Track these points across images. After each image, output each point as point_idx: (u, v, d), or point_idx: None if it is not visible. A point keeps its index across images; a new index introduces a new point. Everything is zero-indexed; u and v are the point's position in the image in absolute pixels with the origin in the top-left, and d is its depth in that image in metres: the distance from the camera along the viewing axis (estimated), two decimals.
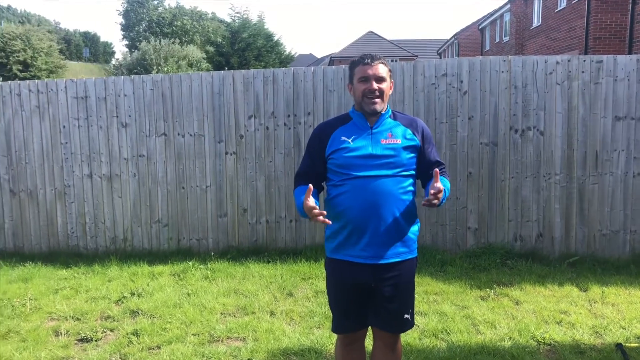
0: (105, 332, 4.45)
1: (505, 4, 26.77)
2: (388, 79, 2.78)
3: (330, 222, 2.61)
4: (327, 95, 6.25)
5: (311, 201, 2.59)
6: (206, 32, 71.07)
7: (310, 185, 2.62)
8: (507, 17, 27.25)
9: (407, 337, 4.14)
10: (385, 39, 53.03)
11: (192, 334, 4.33)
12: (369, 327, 2.98)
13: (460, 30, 40.82)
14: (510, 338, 4.14)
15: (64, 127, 6.51)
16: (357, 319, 2.85)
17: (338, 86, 6.22)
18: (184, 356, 3.92)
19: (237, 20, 31.22)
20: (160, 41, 46.86)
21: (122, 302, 5.06)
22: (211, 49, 30.98)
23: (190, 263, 6.03)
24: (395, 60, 49.34)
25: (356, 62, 2.80)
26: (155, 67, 25.48)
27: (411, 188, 2.79)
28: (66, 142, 6.52)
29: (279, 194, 6.42)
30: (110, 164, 6.50)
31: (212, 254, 6.27)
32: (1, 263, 6.30)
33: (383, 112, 2.79)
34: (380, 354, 2.94)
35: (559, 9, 19.75)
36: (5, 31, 47.20)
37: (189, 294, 5.19)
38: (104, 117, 6.45)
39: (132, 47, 64.15)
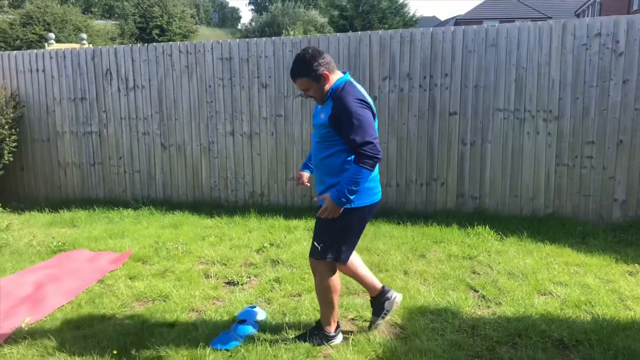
0: (249, 277, 4.78)
1: None
2: (313, 83, 3.22)
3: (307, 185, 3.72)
4: (467, 56, 6.07)
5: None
6: None
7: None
8: None
9: (548, 306, 4.03)
10: None
11: None
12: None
13: None
14: None
15: (209, 86, 6.93)
16: None
17: (479, 47, 6.01)
18: None
19: None
20: (287, 4, 47.92)
21: (263, 252, 5.39)
22: (335, 12, 31.08)
23: None
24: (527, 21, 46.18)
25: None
26: (284, 31, 26.00)
27: (336, 153, 3.25)
28: (211, 101, 6.95)
29: (410, 157, 6.41)
30: (251, 122, 6.84)
31: None
32: (154, 210, 6.93)
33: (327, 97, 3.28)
34: None
35: None
36: None
37: None
38: (246, 78, 6.77)
39: (258, 11, 66.02)
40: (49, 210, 7.16)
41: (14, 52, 7.59)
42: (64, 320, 3.96)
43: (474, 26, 6.12)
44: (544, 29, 5.79)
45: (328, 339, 3.57)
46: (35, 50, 7.55)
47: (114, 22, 49.55)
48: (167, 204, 7.16)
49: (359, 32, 6.46)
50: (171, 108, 7.12)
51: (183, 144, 7.15)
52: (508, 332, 3.67)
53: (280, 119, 6.74)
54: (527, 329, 3.68)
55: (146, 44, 7.12)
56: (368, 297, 4.30)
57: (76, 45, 11.13)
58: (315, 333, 3.59)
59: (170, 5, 49.88)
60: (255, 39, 6.85)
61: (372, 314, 3.80)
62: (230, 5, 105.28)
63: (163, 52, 7.02)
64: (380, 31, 6.37)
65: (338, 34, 6.59)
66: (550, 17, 45.56)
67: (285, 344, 3.53)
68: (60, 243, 5.71)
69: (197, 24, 61.75)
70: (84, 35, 12.12)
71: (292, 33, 21.68)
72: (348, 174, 3.10)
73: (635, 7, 29.76)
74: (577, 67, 5.74)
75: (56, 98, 7.47)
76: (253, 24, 52.04)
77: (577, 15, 46.09)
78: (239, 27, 73.70)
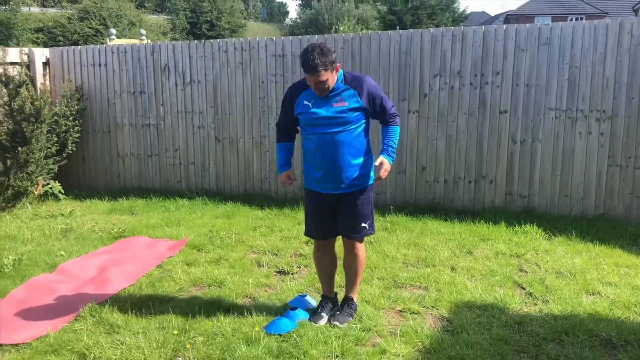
0: (299, 267, 4.96)
1: None
2: (330, 75, 3.43)
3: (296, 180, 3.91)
4: (519, 55, 6.07)
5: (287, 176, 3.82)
6: None
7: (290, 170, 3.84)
8: None
9: (596, 306, 4.05)
10: None
11: (377, 278, 4.65)
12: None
13: None
14: None
15: (262, 82, 7.14)
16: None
17: (531, 45, 6.00)
18: (372, 296, 4.25)
19: None
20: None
21: (311, 243, 5.53)
22: (383, 7, 31.02)
23: None
24: (581, 18, 45.14)
25: (303, 64, 3.42)
26: (333, 27, 26.10)
27: (362, 134, 3.65)
28: (264, 97, 7.15)
29: (459, 154, 6.45)
30: None
31: (392, 207, 6.54)
32: (207, 200, 7.20)
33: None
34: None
35: None
36: None
37: (371, 242, 5.52)
38: (298, 74, 6.93)
39: (305, 6, 66.42)
40: (109, 199, 7.53)
41: (78, 47, 7.98)
42: (127, 302, 4.22)
43: (527, 24, 6.11)
44: (600, 28, 5.73)
45: (355, 307, 4.00)
46: (97, 46, 7.93)
47: (165, 16, 50.83)
48: (220, 195, 7.41)
49: (410, 30, 6.53)
50: (225, 103, 7.36)
51: (236, 137, 7.39)
52: (555, 329, 3.72)
53: None
54: (574, 327, 3.71)
55: (203, 41, 7.37)
56: (415, 290, 4.42)
57: (136, 41, 11.58)
58: (352, 307, 3.97)
59: (219, 1, 50.86)
60: (307, 36, 7.01)
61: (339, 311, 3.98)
62: (277, 0, 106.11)
63: (219, 49, 7.26)
64: (431, 29, 6.43)
65: (389, 31, 6.67)
66: (607, 13, 44.10)
67: (336, 331, 3.69)
68: (120, 229, 6.03)
69: (245, 19, 62.69)
70: (143, 31, 12.59)
71: (341, 29, 21.83)
72: (392, 136, 3.74)
73: None
74: (633, 67, 5.66)
75: (116, 91, 7.83)
76: (299, 20, 52.53)
77: (635, 11, 44.45)
78: (286, 22, 74.61)
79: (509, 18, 47.77)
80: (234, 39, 7.24)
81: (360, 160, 3.66)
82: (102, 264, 5.04)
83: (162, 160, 7.81)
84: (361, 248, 3.87)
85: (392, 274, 4.73)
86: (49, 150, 7.37)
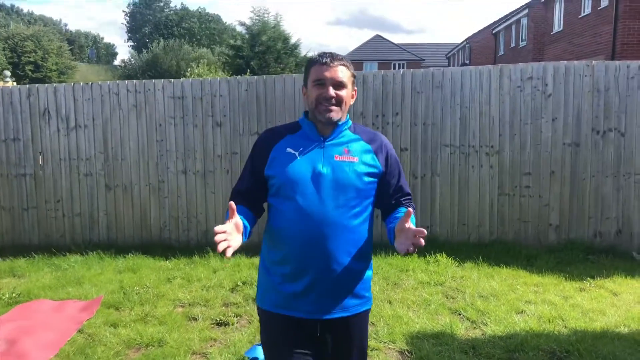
0: (237, 317, 4.73)
1: (523, 9, 27.15)
2: (350, 85, 2.24)
3: (229, 257, 1.91)
4: (415, 97, 6.55)
5: (228, 225, 1.96)
6: (212, 35, 72.72)
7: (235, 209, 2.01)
8: (524, 22, 27.59)
9: (528, 323, 4.43)
10: (392, 43, 53.46)
11: None
12: None
13: (472, 35, 41.15)
14: (624, 325, 4.43)
15: (160, 125, 6.81)
16: None
17: (426, 88, 6.52)
18: None
19: (256, 23, 31.56)
20: (169, 43, 47.65)
21: (238, 291, 5.34)
22: (230, 52, 31.35)
23: None
24: (403, 65, 49.83)
25: (313, 60, 2.25)
26: (188, 69, 25.31)
27: (369, 219, 2.27)
28: (161, 140, 6.81)
29: None
30: (204, 161, 6.79)
31: None
32: (102, 254, 6.56)
33: (341, 122, 2.25)
34: None
35: (583, 15, 20.07)
36: (16, 32, 47.63)
37: None
38: (200, 116, 6.75)
39: (138, 48, 64.56)
40: None
41: None
42: None
43: (421, 69, 6.65)
44: (484, 73, 6.44)
45: None
46: None
47: None
48: (113, 248, 6.80)
49: None
50: (117, 148, 6.87)
51: (130, 184, 6.90)
52: (506, 349, 4.00)
53: (235, 156, 6.76)
54: (521, 344, 4.04)
55: (90, 83, 6.85)
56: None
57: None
58: None
59: (45, 40, 47.38)
60: (209, 78, 6.88)
61: None
62: (105, 40, 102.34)
63: (109, 91, 6.80)
64: None
65: (293, 74, 6.83)
66: (424, 60, 49.22)
67: None
68: (14, 294, 5.26)
69: (75, 60, 58.89)
70: (8, 72, 11.30)
71: (196, 71, 21.69)
72: (413, 221, 2.07)
73: (501, 52, 33.05)
74: (513, 107, 6.42)
75: None
76: (133, 61, 50.99)
77: (448, 59, 50.11)
78: (116, 63, 71.83)
79: None
80: (126, 81, 6.84)
81: (363, 263, 2.29)
82: (9, 336, 4.33)
83: (42, 213, 7.00)
84: None
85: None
86: None
